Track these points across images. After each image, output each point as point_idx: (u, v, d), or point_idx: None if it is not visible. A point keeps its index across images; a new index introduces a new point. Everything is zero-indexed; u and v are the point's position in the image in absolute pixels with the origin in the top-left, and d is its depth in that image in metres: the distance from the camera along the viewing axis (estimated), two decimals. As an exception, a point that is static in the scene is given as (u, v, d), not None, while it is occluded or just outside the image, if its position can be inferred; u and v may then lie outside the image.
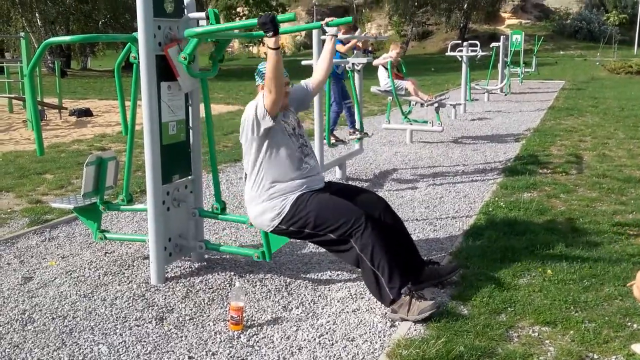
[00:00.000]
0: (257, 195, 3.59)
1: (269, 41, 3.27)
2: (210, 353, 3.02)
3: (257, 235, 4.71)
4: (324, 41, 4.30)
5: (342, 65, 6.81)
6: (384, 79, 8.89)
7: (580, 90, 17.58)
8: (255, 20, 3.34)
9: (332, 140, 6.99)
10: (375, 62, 8.69)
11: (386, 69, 8.68)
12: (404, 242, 3.68)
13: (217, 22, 3.78)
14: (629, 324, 3.22)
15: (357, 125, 7.06)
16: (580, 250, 4.28)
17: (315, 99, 5.69)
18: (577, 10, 46.31)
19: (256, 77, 3.66)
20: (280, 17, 3.27)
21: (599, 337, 3.07)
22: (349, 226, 3.38)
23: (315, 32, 5.66)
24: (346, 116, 7.84)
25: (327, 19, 4.10)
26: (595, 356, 2.93)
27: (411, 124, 9.01)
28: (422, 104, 8.98)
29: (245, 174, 3.67)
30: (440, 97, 9.21)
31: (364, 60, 6.80)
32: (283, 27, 3.76)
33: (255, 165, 3.56)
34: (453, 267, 3.77)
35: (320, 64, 4.04)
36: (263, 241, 3.78)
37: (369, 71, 8.36)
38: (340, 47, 6.98)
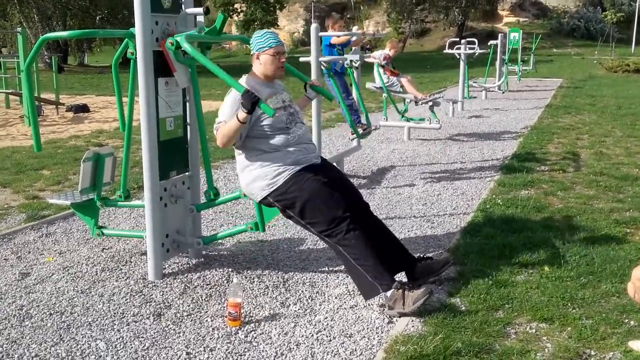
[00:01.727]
0: (249, 163, 3.62)
1: (240, 115, 3.38)
2: (208, 349, 3.01)
3: (255, 233, 4.70)
4: (320, 32, 4.27)
5: (340, 62, 6.80)
6: (376, 75, 8.91)
7: (578, 88, 17.60)
8: (241, 89, 3.37)
9: (360, 130, 6.97)
10: (367, 59, 8.68)
11: (381, 66, 8.68)
12: (388, 242, 3.68)
13: (222, 27, 3.76)
14: (626, 320, 3.23)
15: (363, 120, 7.07)
16: (578, 247, 4.29)
17: (314, 101, 5.65)
18: (575, 8, 46.33)
19: (250, 46, 3.67)
20: (263, 107, 3.32)
21: (596, 333, 3.08)
22: (330, 227, 3.41)
23: (313, 29, 5.65)
24: (350, 113, 7.77)
25: (314, 81, 4.07)
26: (593, 353, 2.94)
27: (409, 121, 9.02)
28: (415, 102, 8.99)
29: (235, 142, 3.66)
30: (434, 96, 9.22)
31: (362, 57, 6.81)
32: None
33: (241, 135, 3.57)
34: (445, 260, 3.76)
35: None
36: (256, 212, 3.81)
37: (367, 68, 8.36)
38: (335, 40, 6.96)
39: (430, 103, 8.85)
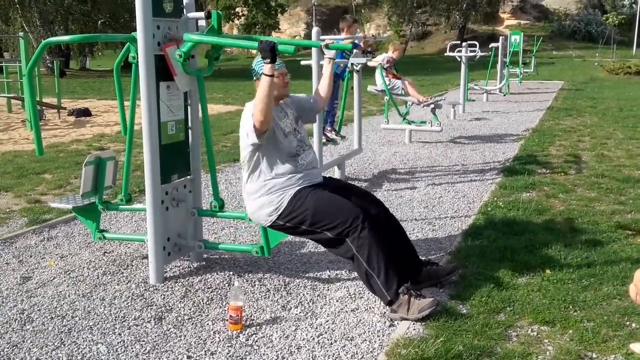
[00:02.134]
0: (255, 190, 3.61)
1: (265, 68, 3.34)
2: (209, 352, 3.02)
3: (256, 235, 4.71)
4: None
5: (341, 65, 6.80)
6: (379, 78, 8.92)
7: (579, 90, 17.60)
8: (255, 44, 3.37)
9: (323, 139, 6.94)
10: (369, 63, 8.70)
11: (384, 69, 8.71)
12: (401, 243, 3.68)
13: (219, 25, 3.78)
14: (628, 323, 3.23)
15: (336, 126, 7.03)
16: (579, 250, 4.28)
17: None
18: (576, 10, 46.32)
19: (252, 73, 3.67)
20: (281, 47, 3.30)
21: (597, 336, 3.08)
22: (346, 226, 3.39)
23: (314, 33, 5.66)
24: (326, 114, 7.72)
25: (327, 41, 4.10)
26: (594, 355, 2.93)
27: (410, 124, 9.03)
28: (418, 103, 8.99)
29: (243, 168, 3.67)
30: (436, 98, 9.24)
31: (363, 60, 6.81)
32: (282, 37, 3.79)
33: (252, 161, 3.58)
34: (452, 268, 3.77)
35: (321, 87, 4.08)
36: (262, 236, 3.78)
37: (368, 71, 8.36)
38: (333, 54, 6.97)
39: (432, 105, 8.86)
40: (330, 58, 4.10)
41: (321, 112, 4.30)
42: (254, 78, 3.64)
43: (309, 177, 3.63)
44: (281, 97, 3.70)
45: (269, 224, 3.63)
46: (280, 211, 3.54)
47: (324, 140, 6.90)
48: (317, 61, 5.63)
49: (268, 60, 3.32)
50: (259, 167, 3.57)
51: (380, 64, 8.70)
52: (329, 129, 7.15)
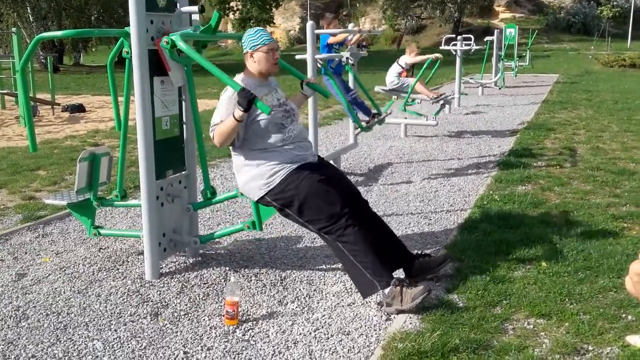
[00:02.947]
0: (244, 162, 3.61)
1: (237, 112, 3.40)
2: (206, 348, 3.01)
3: (253, 231, 4.69)
4: (317, 36, 4.27)
5: (336, 59, 6.79)
6: (391, 77, 8.99)
7: (574, 83, 17.62)
8: (237, 87, 3.38)
9: (363, 124, 6.95)
10: (409, 61, 8.88)
11: (404, 69, 8.87)
12: (387, 239, 3.67)
13: (217, 25, 3.75)
14: (624, 315, 3.23)
15: (374, 110, 7.08)
16: (575, 242, 4.29)
17: (311, 99, 5.64)
18: (571, 4, 46.34)
19: (242, 44, 3.66)
20: (259, 104, 3.32)
21: (593, 328, 3.08)
22: (330, 223, 3.40)
23: (309, 27, 5.64)
24: (357, 109, 7.72)
25: (310, 79, 4.09)
26: (590, 348, 2.94)
27: (406, 118, 9.04)
28: (429, 100, 9.07)
29: (232, 143, 3.66)
30: (446, 94, 9.35)
31: (358, 54, 6.81)
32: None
33: (238, 134, 3.57)
34: (444, 257, 3.76)
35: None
36: (253, 211, 3.78)
37: (363, 66, 8.35)
38: (332, 39, 6.96)
39: (442, 101, 8.95)
40: (305, 95, 4.06)
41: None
42: (244, 51, 3.65)
43: (301, 150, 3.61)
44: (270, 73, 3.69)
45: (258, 197, 3.62)
46: (271, 187, 3.54)
47: (365, 125, 6.90)
48: (312, 55, 5.61)
49: (242, 109, 3.36)
50: (248, 139, 3.58)
51: (402, 65, 8.89)
52: (366, 118, 7.17)
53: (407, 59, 9.07)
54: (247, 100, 3.31)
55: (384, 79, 9.47)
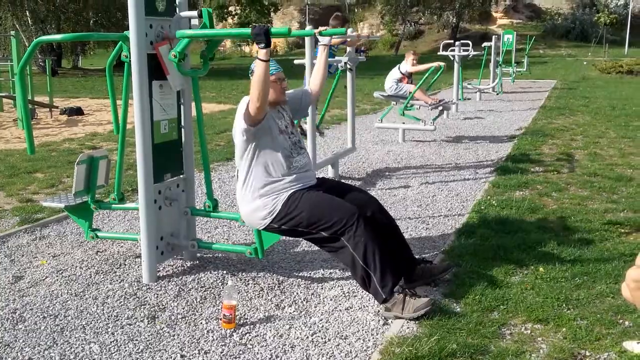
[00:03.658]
0: (248, 193, 3.58)
1: (260, 53, 3.29)
2: (203, 351, 3.01)
3: (250, 234, 4.70)
4: (316, 41, 4.29)
5: (335, 64, 6.80)
6: (390, 82, 9.01)
7: (572, 89, 17.66)
8: (249, 30, 3.34)
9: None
10: (411, 69, 8.88)
11: (405, 76, 8.88)
12: (396, 241, 3.68)
13: (211, 22, 3.77)
14: (621, 321, 3.24)
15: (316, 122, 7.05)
16: (572, 248, 4.30)
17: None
18: (568, 10, 46.49)
19: (250, 75, 3.64)
20: (274, 30, 3.27)
21: (590, 334, 3.09)
22: (342, 224, 3.37)
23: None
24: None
25: (320, 28, 4.08)
26: (587, 353, 2.94)
27: (404, 123, 9.05)
28: (428, 106, 9.07)
29: (237, 169, 3.66)
30: (445, 100, 9.36)
31: (356, 60, 6.82)
32: (275, 26, 3.75)
33: (245, 163, 3.55)
34: (446, 266, 3.77)
35: (315, 76, 4.06)
36: (255, 238, 3.77)
37: (361, 70, 8.37)
38: (334, 40, 6.95)
39: (441, 107, 8.96)
40: (324, 45, 4.07)
41: (315, 103, 4.25)
42: (252, 78, 3.62)
43: (303, 179, 3.60)
44: (278, 102, 3.66)
45: (263, 227, 3.61)
46: (275, 214, 3.52)
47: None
48: (310, 61, 5.62)
49: (262, 45, 3.27)
50: (252, 167, 3.54)
51: (402, 72, 8.91)
52: (305, 120, 7.14)
53: (407, 66, 9.07)
54: (264, 32, 3.23)
55: (382, 84, 9.50)
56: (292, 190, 3.53)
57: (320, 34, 4.05)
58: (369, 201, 3.69)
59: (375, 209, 3.64)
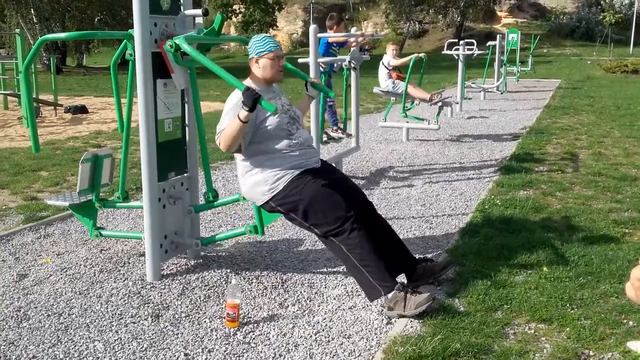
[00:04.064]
0: (249, 168, 3.60)
1: (242, 113, 3.36)
2: (207, 350, 3.01)
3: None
4: (318, 36, 4.27)
5: (339, 63, 6.79)
6: (384, 79, 8.95)
7: (576, 89, 17.61)
8: (242, 87, 3.37)
9: (324, 137, 6.93)
10: (393, 63, 8.79)
11: (389, 70, 8.77)
12: (391, 242, 3.67)
13: (220, 28, 3.76)
14: (625, 321, 3.23)
15: (341, 125, 7.04)
16: (576, 248, 4.29)
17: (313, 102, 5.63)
18: (573, 9, 46.35)
19: (248, 51, 3.65)
20: (264, 103, 3.30)
21: (594, 334, 3.08)
22: (336, 226, 3.39)
23: (312, 30, 5.65)
24: (328, 115, 7.69)
25: (314, 79, 4.06)
26: (591, 353, 2.94)
27: (407, 122, 9.03)
28: (427, 102, 9.00)
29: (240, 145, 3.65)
30: (444, 97, 9.28)
31: (361, 58, 6.81)
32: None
33: (245, 139, 3.55)
34: (447, 263, 3.77)
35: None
36: (255, 215, 3.78)
37: (366, 69, 8.36)
38: (331, 38, 6.93)
39: (440, 103, 8.90)
40: (310, 96, 4.06)
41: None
42: (249, 56, 3.64)
43: (306, 156, 3.60)
44: (275, 80, 3.68)
45: (261, 203, 3.61)
46: (275, 193, 3.53)
47: (325, 139, 6.89)
48: (315, 58, 5.62)
49: (247, 109, 3.32)
50: (252, 144, 3.56)
51: (386, 66, 8.80)
52: (334, 128, 7.14)
53: (390, 59, 8.97)
54: (252, 99, 3.29)
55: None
56: (296, 172, 3.53)
57: (312, 85, 4.02)
58: (366, 204, 3.68)
59: (370, 211, 3.66)
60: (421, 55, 8.90)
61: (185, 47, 3.58)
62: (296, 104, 3.95)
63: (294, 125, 3.64)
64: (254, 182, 3.60)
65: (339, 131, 7.04)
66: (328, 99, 7.03)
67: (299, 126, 3.68)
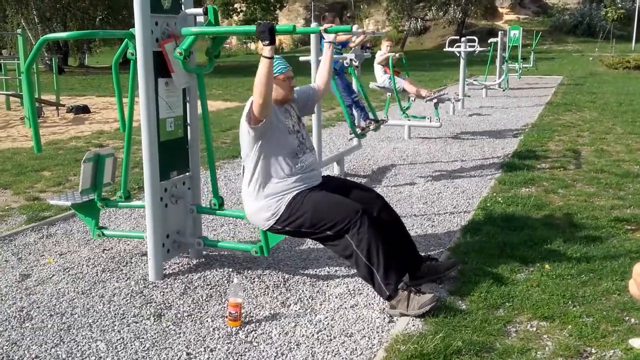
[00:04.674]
0: (253, 193, 3.58)
1: (265, 50, 3.27)
2: (209, 349, 3.02)
3: (256, 232, 4.70)
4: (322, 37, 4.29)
5: (340, 60, 6.79)
6: (380, 75, 8.93)
7: (579, 85, 17.58)
8: (254, 27, 3.32)
9: (358, 130, 6.94)
10: (379, 58, 8.77)
11: (383, 66, 8.72)
12: (401, 239, 3.67)
13: (216, 19, 3.77)
14: (627, 318, 3.23)
15: (371, 116, 7.06)
16: (578, 245, 4.28)
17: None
18: (575, 5, 46.24)
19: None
20: (279, 27, 3.25)
21: (596, 331, 3.08)
22: (345, 222, 3.37)
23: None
24: (357, 111, 7.71)
25: (325, 25, 4.08)
26: (593, 350, 2.94)
27: (409, 120, 9.02)
28: (422, 98, 8.97)
29: (243, 167, 3.65)
30: (439, 93, 9.22)
31: (362, 56, 6.81)
32: (281, 24, 3.75)
33: (251, 161, 3.54)
34: (452, 263, 3.77)
35: (321, 72, 4.06)
36: (261, 236, 3.77)
37: (367, 66, 8.36)
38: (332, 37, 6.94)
39: (436, 100, 8.87)
40: (329, 42, 4.07)
41: (321, 99, 4.24)
42: None
43: (308, 180, 3.59)
44: (286, 100, 3.66)
45: (266, 228, 3.61)
46: (278, 216, 3.52)
47: (359, 132, 6.88)
48: (316, 57, 5.62)
49: (267, 42, 3.23)
50: (258, 166, 3.53)
51: (390, 55, 8.74)
52: (367, 121, 7.15)
53: (379, 54, 8.96)
54: (268, 30, 3.20)
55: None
56: (295, 192, 3.52)
57: (326, 31, 4.05)
58: (375, 199, 3.68)
59: (380, 207, 3.64)
60: (397, 55, 8.86)
61: (193, 30, 3.61)
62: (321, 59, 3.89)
63: (302, 150, 3.61)
64: (256, 209, 3.58)
65: (372, 123, 7.04)
66: (353, 95, 7.04)
67: (306, 149, 3.64)
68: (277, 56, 3.53)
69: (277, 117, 3.55)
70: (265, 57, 3.26)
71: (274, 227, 3.56)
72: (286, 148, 3.54)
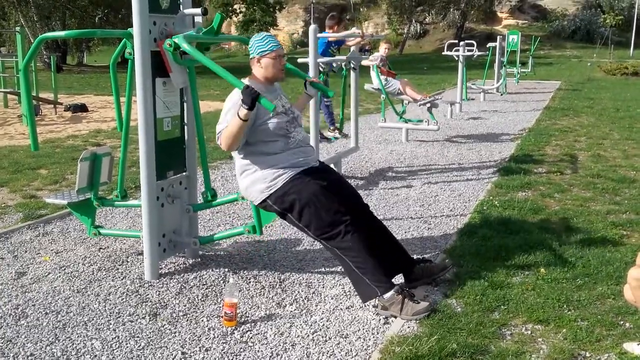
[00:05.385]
0: (247, 166, 3.60)
1: (241, 111, 3.34)
2: (204, 349, 3.02)
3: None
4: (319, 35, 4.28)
5: (338, 64, 6.79)
6: (374, 77, 8.95)
7: (576, 91, 17.62)
8: (241, 85, 3.36)
9: (332, 134, 6.96)
10: (363, 62, 8.76)
11: (382, 65, 8.72)
12: (388, 242, 3.67)
13: (219, 28, 3.76)
14: (621, 322, 3.24)
15: (337, 124, 7.06)
16: (574, 249, 4.29)
17: (312, 102, 5.65)
18: (574, 11, 46.35)
19: (249, 50, 3.64)
20: (263, 101, 3.28)
21: (591, 335, 3.09)
22: (327, 230, 3.40)
23: (311, 30, 5.65)
24: (325, 114, 7.66)
25: (313, 78, 4.07)
26: (588, 354, 2.94)
27: (407, 122, 9.03)
28: (415, 102, 8.98)
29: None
30: (433, 97, 9.23)
31: (360, 59, 6.81)
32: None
33: (244, 137, 3.55)
34: (445, 265, 3.78)
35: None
36: (253, 214, 3.78)
37: (365, 69, 8.36)
38: (331, 37, 6.93)
39: (429, 104, 8.86)
40: (308, 95, 4.06)
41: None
42: (250, 56, 3.63)
43: (303, 155, 3.61)
44: (277, 79, 3.68)
45: (260, 201, 3.61)
46: (273, 190, 3.53)
47: (331, 136, 6.91)
48: (315, 58, 5.62)
49: (246, 107, 3.31)
50: (251, 145, 3.57)
51: (375, 64, 8.71)
52: (331, 128, 7.15)
53: (377, 56, 8.96)
54: (251, 98, 3.28)
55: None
56: (296, 171, 3.53)
57: (311, 84, 4.03)
58: (361, 207, 3.68)
59: (367, 215, 3.66)
60: (373, 63, 8.86)
61: (185, 46, 3.59)
62: (294, 102, 3.95)
63: (292, 125, 3.64)
64: (252, 180, 3.60)
65: (336, 131, 7.05)
66: (325, 99, 7.04)
67: (297, 125, 3.68)
68: (267, 34, 3.63)
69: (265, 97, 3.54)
70: (241, 119, 3.37)
71: (267, 201, 3.56)
72: (277, 126, 3.55)
